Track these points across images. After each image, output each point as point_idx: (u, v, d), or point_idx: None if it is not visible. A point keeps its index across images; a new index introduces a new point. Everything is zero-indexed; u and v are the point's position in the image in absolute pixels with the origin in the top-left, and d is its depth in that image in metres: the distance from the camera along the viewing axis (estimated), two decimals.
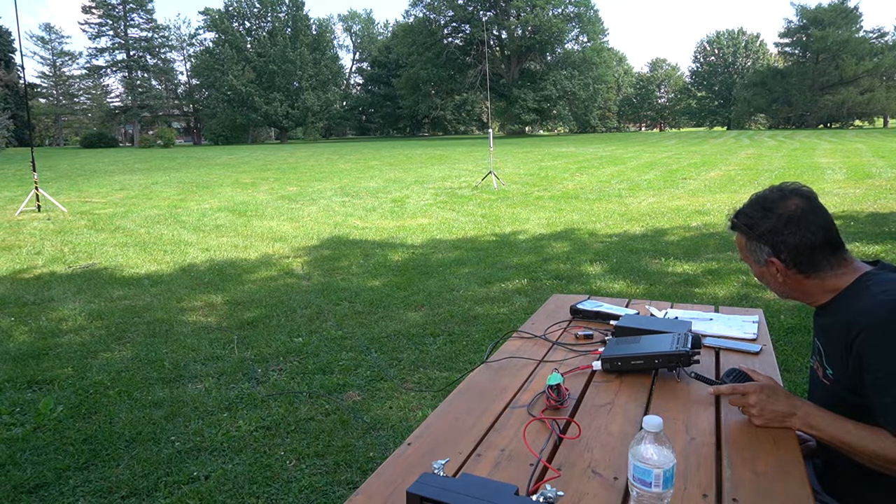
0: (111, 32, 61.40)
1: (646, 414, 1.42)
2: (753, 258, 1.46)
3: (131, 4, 60.62)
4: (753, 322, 2.00)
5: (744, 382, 1.38)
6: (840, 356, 1.34)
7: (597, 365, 1.68)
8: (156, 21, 62.92)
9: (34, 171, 10.97)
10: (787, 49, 65.14)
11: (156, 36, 63.16)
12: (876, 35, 59.81)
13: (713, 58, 76.64)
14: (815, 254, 1.37)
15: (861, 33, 58.84)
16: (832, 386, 1.38)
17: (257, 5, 61.91)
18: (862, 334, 1.27)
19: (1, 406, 3.24)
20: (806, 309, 4.27)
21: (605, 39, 60.11)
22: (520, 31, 55.67)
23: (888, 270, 1.39)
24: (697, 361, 1.58)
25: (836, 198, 9.69)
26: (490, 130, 16.31)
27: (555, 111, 59.75)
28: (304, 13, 62.43)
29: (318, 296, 5.20)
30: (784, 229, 1.37)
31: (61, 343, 4.21)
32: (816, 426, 1.28)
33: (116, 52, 62.04)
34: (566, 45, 57.40)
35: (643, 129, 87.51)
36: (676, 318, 2.07)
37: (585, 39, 57.88)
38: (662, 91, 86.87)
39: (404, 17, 63.45)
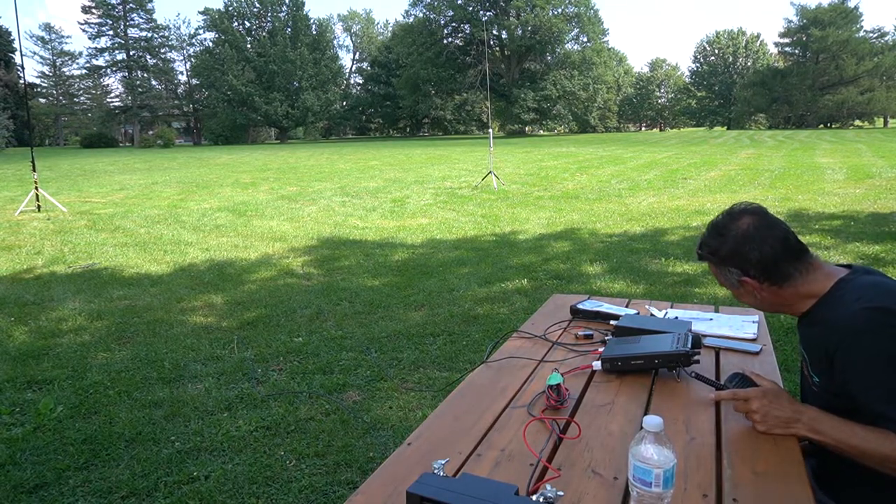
0: (111, 32, 61.37)
1: (646, 414, 1.42)
2: (727, 282, 1.49)
3: (131, 4, 60.58)
4: (753, 322, 2.00)
5: (746, 387, 1.38)
6: (824, 365, 1.35)
7: (597, 365, 1.68)
8: (156, 21, 62.84)
9: (34, 170, 10.97)
10: (787, 49, 65.15)
11: (156, 36, 63.13)
12: (876, 35, 59.89)
13: (713, 58, 76.61)
14: (779, 264, 1.40)
15: (861, 33, 58.87)
16: (819, 392, 1.39)
17: (257, 5, 61.90)
18: (843, 345, 1.28)
19: (1, 406, 3.24)
20: None
21: (605, 39, 60.16)
22: (520, 31, 55.64)
23: (861, 273, 1.40)
24: (697, 361, 1.58)
25: (837, 198, 9.69)
26: (490, 130, 16.31)
27: (554, 111, 59.75)
28: (304, 13, 62.40)
29: (318, 296, 5.20)
30: (743, 248, 1.41)
31: (61, 343, 4.21)
32: (822, 431, 1.27)
33: (116, 52, 62.00)
34: (566, 46, 57.38)
35: (643, 129, 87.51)
36: (676, 318, 2.07)
37: (585, 39, 57.88)
38: (662, 91, 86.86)
39: (404, 17, 63.50)
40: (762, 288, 1.43)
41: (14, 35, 51.37)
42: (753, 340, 1.86)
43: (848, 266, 1.43)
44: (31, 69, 67.79)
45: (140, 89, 62.01)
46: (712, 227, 1.49)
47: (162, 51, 63.94)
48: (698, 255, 1.54)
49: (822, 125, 60.21)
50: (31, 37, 67.69)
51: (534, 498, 1.00)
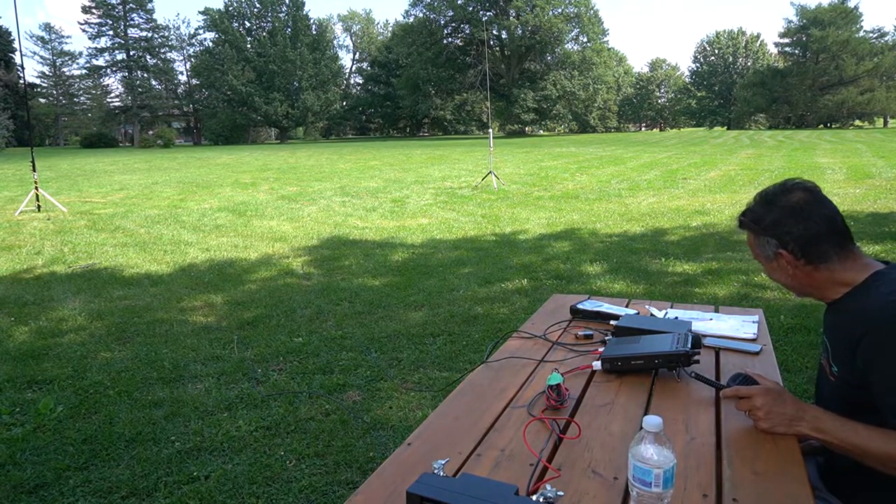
0: (111, 32, 61.35)
1: (646, 414, 1.42)
2: (763, 254, 1.46)
3: (131, 4, 60.57)
4: (753, 322, 2.00)
5: (749, 386, 1.38)
6: (846, 354, 1.33)
7: (597, 365, 1.68)
8: (156, 21, 62.85)
9: (34, 171, 10.96)
10: (787, 49, 65.16)
11: (156, 36, 63.12)
12: (876, 35, 59.92)
13: (713, 58, 76.62)
14: (821, 243, 1.37)
15: (861, 33, 58.90)
16: (837, 383, 1.38)
17: (257, 5, 61.92)
18: (869, 334, 1.26)
19: (1, 406, 3.24)
20: (806, 309, 4.27)
21: (605, 40, 60.18)
22: (520, 32, 55.66)
23: None
24: (697, 361, 1.58)
25: (836, 198, 9.69)
26: (490, 130, 16.31)
27: (554, 111, 59.76)
28: (304, 13, 62.46)
29: (318, 296, 5.20)
30: (788, 220, 1.39)
31: (61, 343, 4.21)
32: (825, 430, 1.27)
33: (116, 52, 62.00)
34: (566, 46, 57.40)
35: (643, 128, 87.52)
36: (676, 318, 2.07)
37: (585, 40, 57.91)
38: (662, 91, 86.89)
39: (404, 17, 63.48)
40: (797, 265, 1.40)
41: (14, 35, 51.40)
42: (753, 340, 1.86)
43: (885, 262, 1.42)
44: (31, 69, 67.75)
45: (140, 89, 61.97)
46: (762, 195, 1.46)
47: (162, 51, 63.93)
48: (740, 221, 1.50)
49: (822, 125, 60.22)
50: (31, 37, 67.68)
51: (534, 498, 1.00)
